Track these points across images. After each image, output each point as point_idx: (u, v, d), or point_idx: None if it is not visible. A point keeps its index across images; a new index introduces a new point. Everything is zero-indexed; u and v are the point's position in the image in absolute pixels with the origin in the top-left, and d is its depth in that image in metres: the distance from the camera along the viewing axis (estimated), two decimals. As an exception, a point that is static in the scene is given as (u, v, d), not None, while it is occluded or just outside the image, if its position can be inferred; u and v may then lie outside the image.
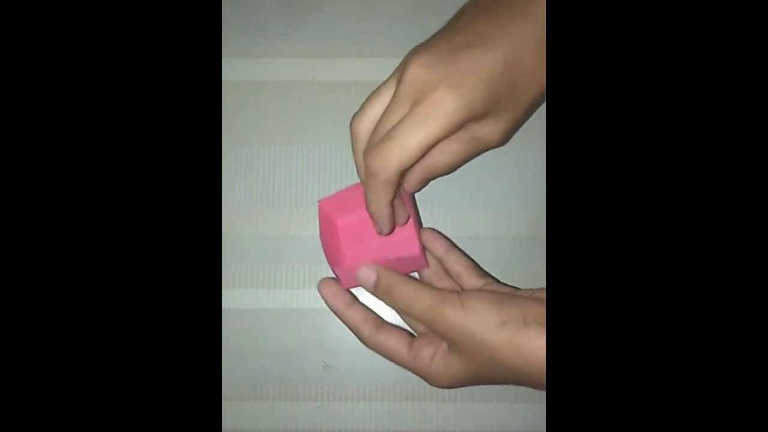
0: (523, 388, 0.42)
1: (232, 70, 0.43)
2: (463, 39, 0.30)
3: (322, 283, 0.37)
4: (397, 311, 0.36)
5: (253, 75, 0.44)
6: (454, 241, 0.42)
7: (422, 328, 0.36)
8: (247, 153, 0.43)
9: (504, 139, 0.33)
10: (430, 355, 0.34)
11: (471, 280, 0.37)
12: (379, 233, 0.35)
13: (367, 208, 0.33)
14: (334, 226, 0.39)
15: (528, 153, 0.43)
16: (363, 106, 0.33)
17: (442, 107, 0.29)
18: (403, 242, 0.37)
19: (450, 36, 0.31)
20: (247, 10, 0.44)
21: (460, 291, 0.33)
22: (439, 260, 0.39)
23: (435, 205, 0.42)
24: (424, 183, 0.36)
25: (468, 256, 0.40)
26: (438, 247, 0.39)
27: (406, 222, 0.36)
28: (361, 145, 0.33)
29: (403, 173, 0.31)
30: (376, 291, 0.35)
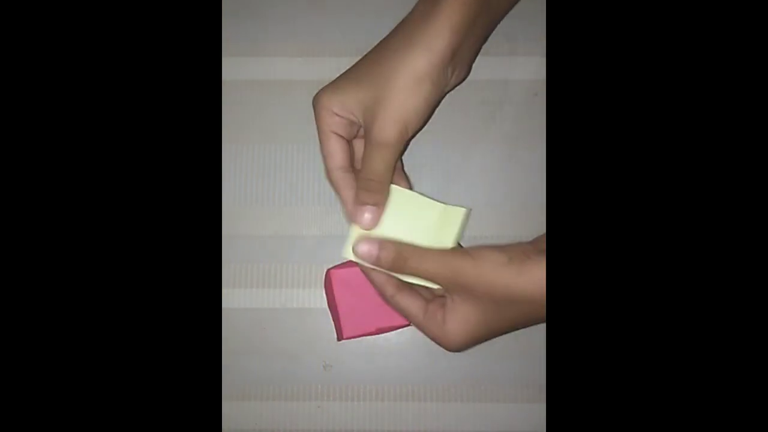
0: (523, 388, 0.42)
1: (232, 70, 0.43)
2: (349, 68, 0.38)
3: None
4: (412, 278, 0.36)
5: (253, 75, 0.44)
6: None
7: (431, 295, 0.37)
8: (247, 153, 0.43)
9: (384, 128, 0.34)
10: (442, 316, 0.35)
11: None
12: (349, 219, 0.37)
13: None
14: (333, 297, 0.40)
15: (528, 153, 0.43)
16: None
17: (315, 106, 0.37)
18: (395, 314, 0.39)
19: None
20: (247, 10, 0.44)
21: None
22: None
23: (435, 205, 0.42)
24: (373, 193, 0.36)
25: None
26: None
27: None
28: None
29: (341, 170, 0.37)
30: (380, 262, 0.36)
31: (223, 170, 0.43)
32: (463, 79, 0.38)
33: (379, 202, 0.36)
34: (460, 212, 0.37)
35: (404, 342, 0.43)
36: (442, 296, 0.36)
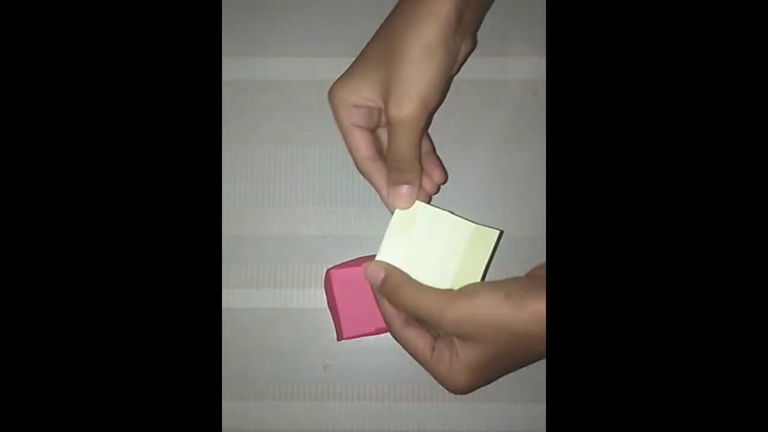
0: (523, 388, 0.42)
1: (232, 70, 0.43)
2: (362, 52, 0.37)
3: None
4: (403, 310, 0.35)
5: (253, 75, 0.44)
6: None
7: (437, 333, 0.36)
8: (247, 153, 0.43)
9: (402, 103, 0.33)
10: (449, 356, 0.34)
11: None
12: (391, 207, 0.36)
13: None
14: (333, 297, 0.40)
15: (528, 153, 0.43)
16: None
17: (331, 100, 0.36)
18: None
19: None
20: (247, 10, 0.44)
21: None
22: None
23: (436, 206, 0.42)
24: (405, 173, 0.35)
25: None
26: None
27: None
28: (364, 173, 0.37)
29: (371, 160, 0.36)
30: (383, 289, 0.35)
31: (223, 170, 0.43)
32: (471, 50, 0.37)
33: (412, 180, 0.35)
34: (492, 235, 0.36)
35: (404, 342, 0.43)
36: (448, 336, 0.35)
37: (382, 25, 0.36)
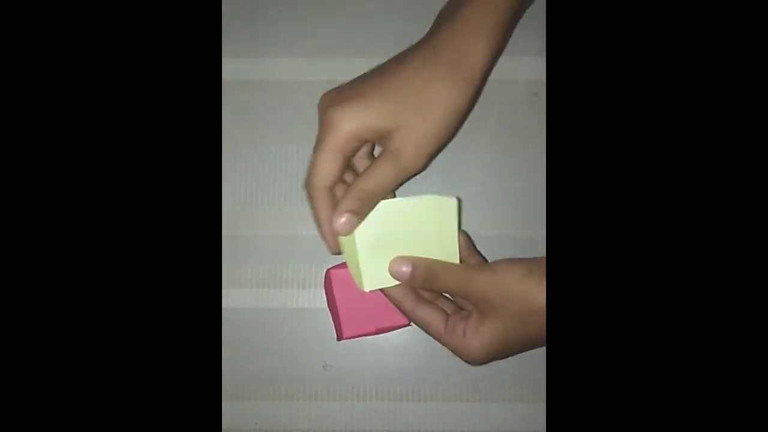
0: (523, 388, 0.42)
1: (232, 70, 0.43)
2: (370, 74, 0.36)
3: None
4: (433, 291, 0.38)
5: (253, 75, 0.44)
6: (454, 241, 0.42)
7: (453, 308, 0.38)
8: (247, 153, 0.43)
9: (414, 155, 0.34)
10: (463, 329, 0.35)
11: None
12: (330, 252, 0.36)
13: (318, 228, 0.36)
14: (333, 298, 0.40)
15: (528, 153, 0.43)
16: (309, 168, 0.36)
17: (333, 121, 0.33)
18: (395, 314, 0.39)
19: (362, 75, 0.36)
20: (247, 10, 0.44)
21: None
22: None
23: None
24: (357, 211, 0.34)
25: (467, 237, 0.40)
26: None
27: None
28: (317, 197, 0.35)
29: (329, 189, 0.35)
30: (414, 280, 0.36)
31: (223, 170, 0.43)
32: None
33: (363, 214, 0.35)
34: (452, 204, 0.37)
35: (404, 342, 0.43)
36: (464, 309, 0.36)
37: (400, 64, 0.34)
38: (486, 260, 0.39)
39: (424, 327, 0.37)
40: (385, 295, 0.38)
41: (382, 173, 0.34)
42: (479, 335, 0.35)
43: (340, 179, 0.35)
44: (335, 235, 0.35)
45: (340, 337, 0.40)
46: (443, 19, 0.35)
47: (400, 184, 0.36)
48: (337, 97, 0.34)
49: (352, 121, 0.33)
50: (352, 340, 0.40)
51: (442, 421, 0.42)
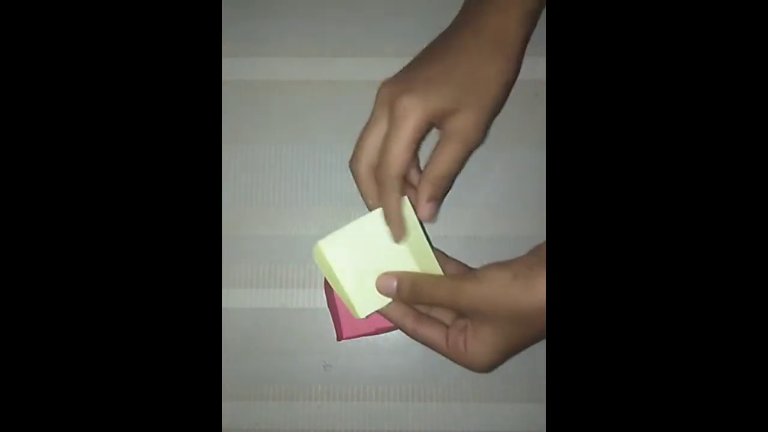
0: (523, 388, 0.42)
1: (232, 70, 0.43)
2: (420, 61, 0.37)
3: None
4: (421, 304, 0.38)
5: (253, 75, 0.44)
6: (455, 241, 0.42)
7: (449, 320, 0.38)
8: (247, 153, 0.43)
9: (477, 130, 0.36)
10: (463, 341, 0.35)
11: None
12: (396, 241, 0.37)
13: (385, 217, 0.37)
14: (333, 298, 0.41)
15: (528, 153, 0.43)
16: (355, 147, 0.37)
17: (407, 109, 0.34)
18: None
19: (412, 63, 0.38)
20: (247, 10, 0.44)
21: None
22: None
23: (435, 205, 0.42)
24: (437, 197, 0.36)
25: (460, 263, 0.40)
26: None
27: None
28: (363, 179, 0.37)
29: (403, 177, 0.36)
30: (400, 294, 0.37)
31: (223, 170, 0.43)
32: None
33: (441, 198, 0.37)
34: (407, 204, 0.37)
35: (404, 342, 0.42)
36: (460, 318, 0.36)
37: (454, 47, 0.37)
38: (466, 266, 0.39)
39: (428, 344, 0.37)
40: (385, 317, 0.38)
41: (452, 153, 0.36)
42: (479, 345, 0.35)
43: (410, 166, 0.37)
44: (405, 225, 0.36)
45: (340, 337, 0.40)
46: (472, 5, 0.38)
47: (466, 161, 0.37)
48: (402, 86, 0.35)
49: (426, 108, 0.34)
50: (352, 340, 0.40)
51: (442, 421, 0.42)
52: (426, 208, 0.36)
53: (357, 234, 0.37)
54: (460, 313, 0.36)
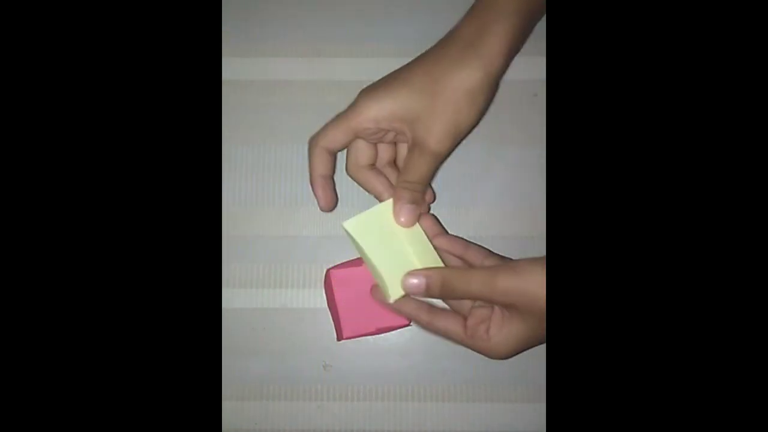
0: (523, 388, 0.42)
1: (232, 70, 0.43)
2: (398, 70, 0.37)
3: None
4: (452, 299, 0.38)
5: (253, 75, 0.44)
6: (454, 241, 0.42)
7: (467, 310, 0.38)
8: (247, 153, 0.43)
9: (436, 141, 0.35)
10: (486, 330, 0.35)
11: (494, 263, 0.39)
12: (322, 208, 0.38)
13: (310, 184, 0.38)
14: (333, 296, 0.40)
15: (528, 153, 0.43)
16: (320, 128, 0.38)
17: (356, 106, 0.36)
18: (395, 314, 0.39)
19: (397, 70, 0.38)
20: (247, 9, 0.44)
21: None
22: (461, 257, 0.40)
23: (436, 205, 0.42)
24: (417, 194, 0.37)
25: (482, 247, 0.40)
26: (456, 247, 0.39)
27: None
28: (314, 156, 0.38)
29: (328, 152, 0.37)
30: (430, 292, 0.36)
31: (223, 170, 0.43)
32: None
33: (419, 201, 0.37)
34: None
35: (404, 342, 0.43)
36: (481, 307, 0.36)
37: (427, 55, 0.37)
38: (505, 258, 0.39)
39: (444, 335, 0.37)
40: (399, 311, 0.37)
41: (415, 163, 0.36)
42: (505, 336, 0.35)
43: (340, 150, 0.38)
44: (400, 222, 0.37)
45: (340, 337, 0.40)
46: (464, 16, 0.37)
47: (437, 168, 0.37)
48: (369, 88, 0.37)
49: (372, 107, 0.36)
50: (352, 340, 0.40)
51: (442, 421, 0.42)
52: (401, 215, 0.36)
53: (377, 219, 0.37)
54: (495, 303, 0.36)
